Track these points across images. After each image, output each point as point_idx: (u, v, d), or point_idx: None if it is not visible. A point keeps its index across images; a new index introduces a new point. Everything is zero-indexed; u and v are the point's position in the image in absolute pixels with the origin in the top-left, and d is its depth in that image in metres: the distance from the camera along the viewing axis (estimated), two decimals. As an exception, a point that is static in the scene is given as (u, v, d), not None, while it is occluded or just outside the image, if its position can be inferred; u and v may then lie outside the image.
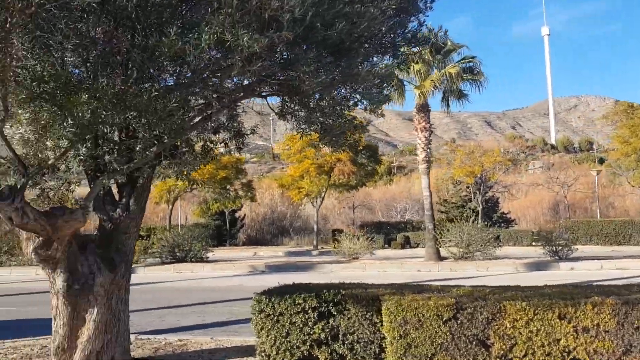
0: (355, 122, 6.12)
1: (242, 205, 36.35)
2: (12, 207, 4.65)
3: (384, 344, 5.44)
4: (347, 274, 16.35)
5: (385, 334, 5.33)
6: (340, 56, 4.67)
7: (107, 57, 4.66)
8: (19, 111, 5.10)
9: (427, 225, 18.30)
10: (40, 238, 5.09)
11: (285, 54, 4.59)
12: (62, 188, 5.82)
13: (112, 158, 5.48)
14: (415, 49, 6.44)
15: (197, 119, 5.37)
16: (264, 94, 5.42)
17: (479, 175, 30.04)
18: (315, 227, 32.97)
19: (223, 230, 39.50)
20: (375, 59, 4.91)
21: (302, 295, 5.61)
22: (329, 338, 5.57)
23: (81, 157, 5.65)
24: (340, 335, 5.56)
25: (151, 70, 4.55)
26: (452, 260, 17.77)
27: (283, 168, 71.50)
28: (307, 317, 5.56)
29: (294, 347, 5.59)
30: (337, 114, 5.60)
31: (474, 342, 4.88)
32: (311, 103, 5.12)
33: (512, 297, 4.99)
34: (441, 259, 17.89)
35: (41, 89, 4.14)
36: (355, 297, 5.61)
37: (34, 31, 4.06)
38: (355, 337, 5.53)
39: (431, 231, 17.96)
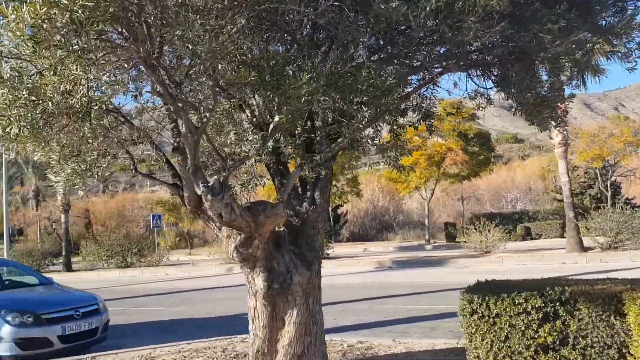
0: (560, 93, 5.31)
1: (347, 201, 35.96)
2: (222, 202, 4.35)
3: (624, 349, 4.64)
4: (484, 268, 15.37)
5: (631, 339, 4.52)
6: (588, 9, 3.91)
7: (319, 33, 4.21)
8: (222, 100, 4.80)
9: (567, 213, 16.84)
10: (242, 235, 4.78)
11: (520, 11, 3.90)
12: (251, 182, 5.54)
13: (300, 148, 5.09)
14: None
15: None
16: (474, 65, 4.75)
17: (606, 159, 27.60)
18: (426, 221, 31.89)
19: (327, 227, 39.47)
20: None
21: (523, 294, 4.91)
22: (557, 342, 4.83)
23: (269, 149, 5.33)
24: (570, 339, 4.81)
25: (370, 43, 4.05)
26: (598, 251, 16.20)
27: (378, 162, 70.64)
28: (529, 318, 4.85)
29: (515, 352, 4.90)
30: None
31: None
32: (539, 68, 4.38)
33: None
34: (584, 249, 16.38)
35: (251, 73, 3.73)
36: (587, 295, 4.82)
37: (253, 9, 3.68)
38: (589, 340, 4.75)
39: (572, 220, 16.50)
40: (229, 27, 3.64)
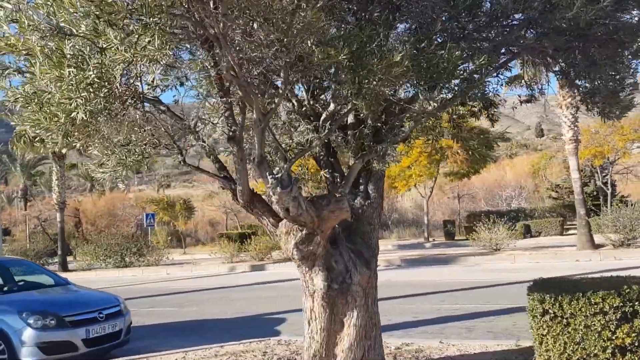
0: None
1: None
2: (290, 195, 4.01)
3: None
4: (497, 266, 15.17)
5: None
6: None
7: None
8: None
9: (578, 210, 16.67)
10: (303, 232, 4.44)
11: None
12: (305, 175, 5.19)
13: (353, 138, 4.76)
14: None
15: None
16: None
17: (607, 156, 27.60)
18: (425, 218, 31.70)
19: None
20: None
21: (600, 292, 4.62)
22: (636, 344, 4.56)
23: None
24: (649, 341, 4.55)
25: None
26: (610, 248, 16.06)
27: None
28: (607, 319, 4.57)
29: (591, 355, 4.62)
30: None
31: None
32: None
33: None
34: (596, 247, 16.24)
35: (343, 50, 3.39)
36: (668, 293, 4.56)
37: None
38: (671, 342, 4.50)
39: (583, 217, 16.34)
40: (312, 2, 3.30)
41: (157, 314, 10.79)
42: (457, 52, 3.53)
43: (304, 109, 4.94)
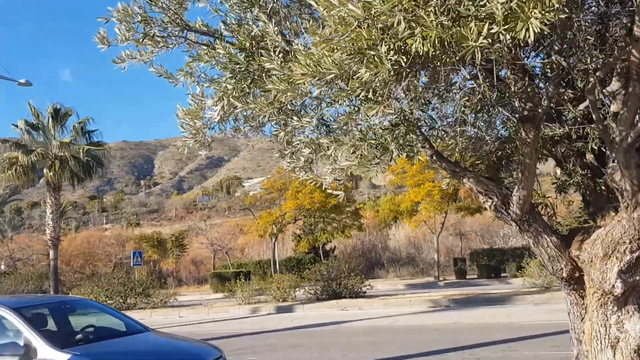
0: None
1: (349, 236, 34.21)
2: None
3: None
4: (562, 306, 13.92)
5: None
6: None
7: None
8: None
9: None
10: (635, 254, 3.11)
11: None
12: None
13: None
14: None
15: None
16: None
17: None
18: (435, 256, 30.50)
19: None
20: None
21: None
22: None
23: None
24: None
25: None
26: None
27: (370, 195, 69.18)
28: None
29: None
30: None
31: None
32: None
33: None
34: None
35: None
36: None
37: None
38: None
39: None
40: None
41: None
42: None
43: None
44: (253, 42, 3.44)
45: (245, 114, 4.52)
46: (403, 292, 23.41)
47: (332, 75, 2.41)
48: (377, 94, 2.54)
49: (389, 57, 2.30)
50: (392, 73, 2.36)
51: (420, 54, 2.31)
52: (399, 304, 16.28)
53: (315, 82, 2.51)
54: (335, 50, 2.41)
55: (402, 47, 2.32)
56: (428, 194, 27.57)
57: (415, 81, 2.58)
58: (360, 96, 2.44)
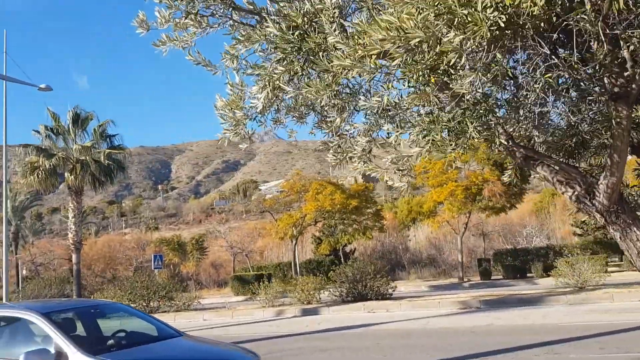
0: None
1: (371, 237, 33.82)
2: None
3: None
4: (601, 306, 13.44)
5: None
6: None
7: None
8: None
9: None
10: None
11: None
12: None
13: None
14: None
15: None
16: None
17: None
18: (459, 256, 29.97)
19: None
20: None
21: None
22: None
23: None
24: None
25: None
26: None
27: (387, 196, 68.52)
28: None
29: None
30: None
31: None
32: None
33: None
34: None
35: None
36: None
37: None
38: None
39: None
40: None
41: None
42: None
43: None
44: (305, 18, 3.11)
45: (289, 102, 4.21)
46: (429, 293, 22.93)
47: (418, 40, 2.07)
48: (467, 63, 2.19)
49: (487, 15, 1.95)
50: (489, 36, 2.02)
51: (527, 13, 1.98)
52: (427, 306, 15.86)
53: (395, 50, 2.17)
54: (419, 11, 2.08)
55: (501, 4, 1.98)
56: (451, 194, 27.09)
57: (511, 47, 2.23)
58: (453, 62, 2.11)
